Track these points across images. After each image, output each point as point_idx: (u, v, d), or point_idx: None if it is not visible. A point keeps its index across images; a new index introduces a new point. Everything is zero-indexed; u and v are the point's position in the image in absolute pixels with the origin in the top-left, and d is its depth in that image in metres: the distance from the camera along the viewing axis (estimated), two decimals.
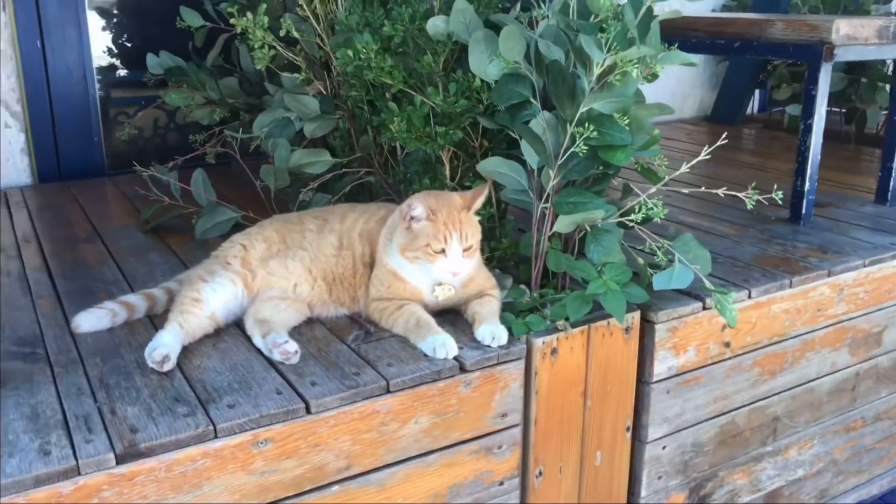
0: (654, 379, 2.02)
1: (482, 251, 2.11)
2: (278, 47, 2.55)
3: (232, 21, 2.58)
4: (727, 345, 2.14)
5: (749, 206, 1.90)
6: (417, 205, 1.76)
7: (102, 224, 2.72)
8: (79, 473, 1.33)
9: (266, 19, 2.53)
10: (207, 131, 3.06)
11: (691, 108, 4.99)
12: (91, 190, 3.20)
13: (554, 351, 1.84)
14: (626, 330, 1.95)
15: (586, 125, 1.77)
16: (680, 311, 2.01)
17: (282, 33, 2.52)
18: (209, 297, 1.79)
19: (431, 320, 1.79)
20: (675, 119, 4.84)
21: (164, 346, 1.64)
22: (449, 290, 1.83)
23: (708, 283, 1.91)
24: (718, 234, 2.61)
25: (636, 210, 1.87)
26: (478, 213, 2.13)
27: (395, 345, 1.78)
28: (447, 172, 2.17)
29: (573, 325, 1.86)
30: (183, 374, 1.63)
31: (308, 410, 1.54)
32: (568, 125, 1.81)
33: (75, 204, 2.96)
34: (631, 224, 1.92)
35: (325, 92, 2.67)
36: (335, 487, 1.61)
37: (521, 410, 1.83)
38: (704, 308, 2.04)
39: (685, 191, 2.10)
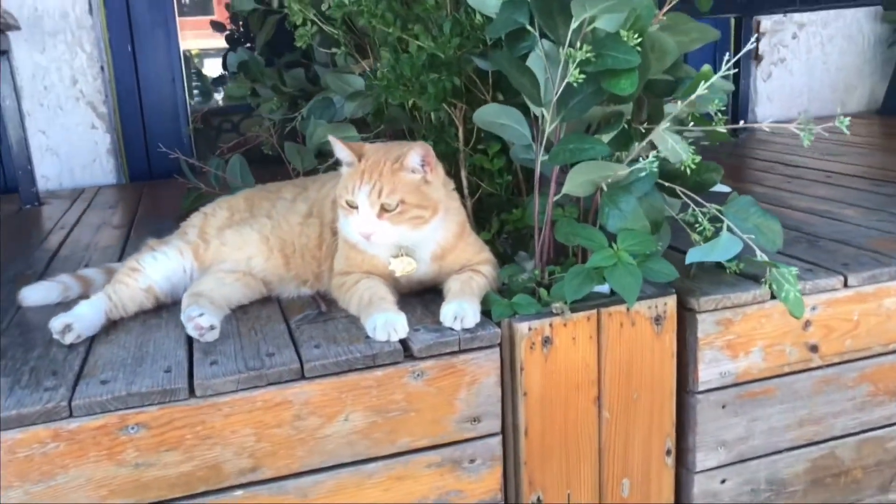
0: (702, 388, 1.54)
1: (489, 227, 1.74)
2: (318, 21, 2.34)
3: None
4: (814, 348, 1.59)
5: None
6: (342, 147, 1.44)
7: (148, 214, 2.63)
8: None
9: None
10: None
11: (859, 101, 4.24)
12: (167, 188, 3.16)
13: (547, 341, 1.43)
14: (656, 320, 1.49)
15: (582, 47, 1.37)
16: (735, 299, 1.51)
17: (324, 7, 2.31)
18: (148, 267, 1.57)
19: (388, 297, 1.45)
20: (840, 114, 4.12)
21: (70, 315, 1.43)
22: (409, 264, 1.48)
23: (760, 254, 1.41)
24: (834, 218, 2.04)
25: (652, 160, 1.42)
26: (497, 180, 1.78)
27: (342, 325, 1.45)
28: (460, 135, 1.83)
29: (575, 310, 1.44)
30: (88, 348, 1.40)
31: (192, 392, 1.25)
32: (561, 50, 1.41)
33: (135, 200, 2.91)
34: (664, 182, 1.48)
35: (371, 69, 2.43)
36: (238, 492, 1.30)
37: (501, 415, 1.43)
38: (774, 297, 1.53)
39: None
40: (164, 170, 3.44)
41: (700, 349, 1.51)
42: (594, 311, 1.45)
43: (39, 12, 3.09)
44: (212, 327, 1.39)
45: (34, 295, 1.66)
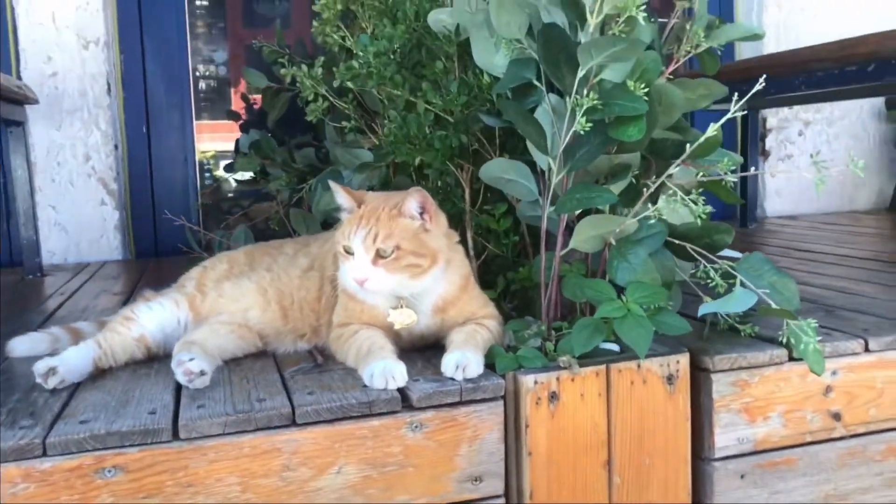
0: (718, 454, 1.44)
1: (495, 287, 1.70)
2: (329, 97, 2.38)
3: (282, 72, 2.47)
4: (836, 416, 1.51)
5: None
6: (343, 192, 1.42)
7: (150, 284, 2.58)
8: None
9: (321, 71, 2.38)
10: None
11: (867, 199, 4.24)
12: (172, 263, 3.14)
13: (554, 396, 1.35)
14: (669, 379, 1.42)
15: (588, 95, 1.36)
16: (751, 358, 1.44)
17: (336, 84, 2.35)
18: (142, 317, 1.52)
19: (387, 346, 1.39)
20: (848, 211, 4.14)
21: (56, 359, 1.37)
22: (408, 316, 1.42)
23: (774, 306, 1.35)
24: (852, 293, 1.98)
25: (661, 209, 1.39)
26: (503, 241, 1.74)
27: (338, 376, 1.38)
28: (467, 196, 1.81)
29: (583, 365, 1.37)
30: (71, 393, 1.34)
31: (176, 434, 1.17)
32: (567, 99, 1.41)
33: (138, 272, 2.88)
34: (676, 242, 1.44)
35: (379, 144, 2.46)
36: None
37: (504, 475, 1.34)
38: (792, 358, 1.46)
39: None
40: (171, 247, 3.43)
41: (716, 412, 1.43)
42: (603, 367, 1.38)
43: (59, 91, 3.16)
44: (202, 373, 1.33)
45: (22, 346, 1.60)
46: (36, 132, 3.14)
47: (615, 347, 1.47)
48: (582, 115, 1.36)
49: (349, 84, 2.25)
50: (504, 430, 1.33)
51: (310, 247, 1.68)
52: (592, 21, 1.35)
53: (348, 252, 1.39)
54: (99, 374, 1.44)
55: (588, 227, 1.48)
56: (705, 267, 1.48)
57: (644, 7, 1.33)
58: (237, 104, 4.01)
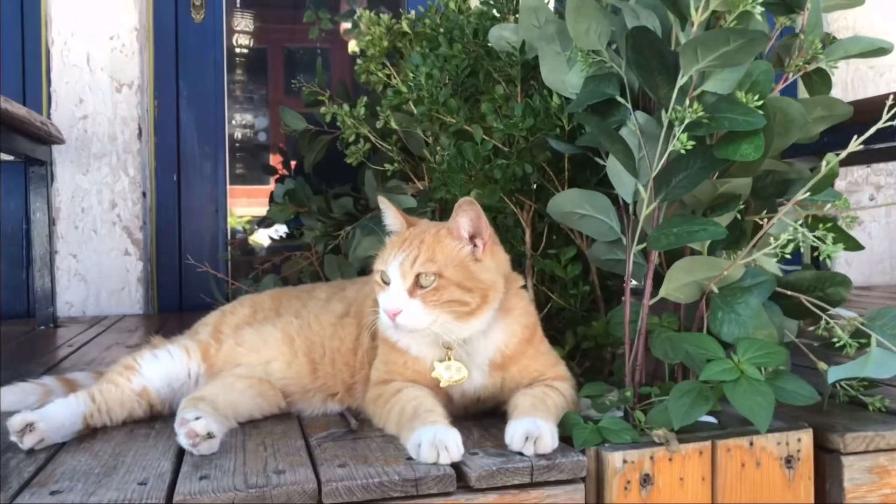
0: None
1: (563, 344, 1.43)
2: (371, 137, 2.18)
3: (322, 110, 2.29)
4: None
5: None
6: (394, 211, 1.19)
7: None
8: None
9: (364, 111, 2.19)
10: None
11: None
12: (197, 318, 2.92)
13: (647, 480, 1.07)
14: (787, 461, 1.13)
15: (692, 104, 1.13)
16: (891, 439, 1.15)
17: (379, 125, 2.16)
18: (146, 367, 1.28)
19: (437, 409, 1.12)
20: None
21: (36, 413, 1.13)
22: (457, 371, 1.17)
23: None
24: None
25: (788, 243, 1.13)
26: (570, 291, 1.49)
27: (377, 445, 1.12)
28: (528, 239, 1.56)
29: (682, 441, 1.10)
30: (51, 456, 1.09)
31: None
32: (662, 114, 1.17)
33: (158, 326, 2.66)
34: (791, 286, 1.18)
35: (423, 190, 2.24)
36: None
37: None
38: None
39: None
40: (197, 302, 3.21)
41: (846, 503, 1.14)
42: (707, 444, 1.10)
43: (89, 134, 3.02)
44: (209, 435, 1.07)
45: (9, 397, 1.36)
46: (62, 176, 2.99)
47: (712, 420, 1.20)
48: (682, 131, 1.12)
49: (393, 125, 2.06)
50: None
51: (346, 291, 1.44)
52: (697, 18, 1.12)
53: (385, 281, 1.15)
54: (89, 434, 1.19)
55: (682, 272, 1.22)
56: (827, 324, 1.21)
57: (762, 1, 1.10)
58: (275, 161, 3.85)
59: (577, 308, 1.50)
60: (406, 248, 1.14)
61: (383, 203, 1.23)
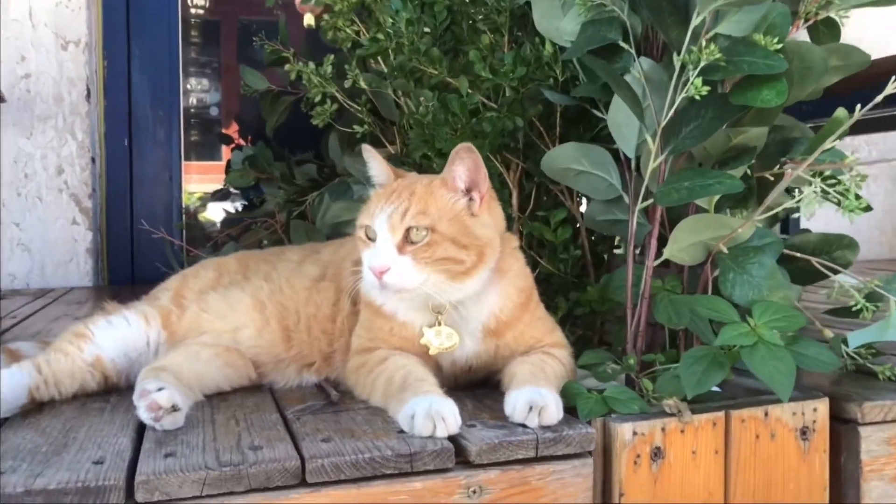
0: None
1: (555, 310, 1.34)
2: (339, 97, 2.05)
3: (287, 67, 2.15)
4: None
5: None
6: (378, 160, 1.08)
7: None
8: None
9: (330, 69, 2.05)
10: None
11: None
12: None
13: (657, 453, 0.99)
14: (802, 433, 1.05)
15: (709, 45, 1.03)
16: None
17: (347, 84, 2.02)
18: (99, 335, 1.15)
19: (428, 378, 1.02)
20: (888, 258, 3.83)
21: None
22: (448, 337, 1.06)
23: None
24: None
25: (806, 200, 1.05)
26: (561, 255, 1.39)
27: (363, 418, 1.01)
28: (514, 201, 1.46)
29: (694, 410, 1.01)
30: None
31: (130, 495, 0.80)
32: (675, 57, 1.07)
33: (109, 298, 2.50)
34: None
35: (395, 154, 2.12)
36: None
37: None
38: None
39: None
40: (151, 274, 3.04)
41: (864, 479, 1.07)
42: (721, 415, 1.02)
43: (32, 94, 2.82)
44: (174, 408, 0.95)
45: None
46: (3, 140, 2.79)
47: (716, 388, 1.12)
48: (697, 76, 1.03)
49: (363, 84, 1.93)
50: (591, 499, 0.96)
51: (320, 253, 1.33)
52: None
53: (370, 237, 1.04)
54: (35, 409, 1.06)
55: (688, 231, 1.13)
56: (841, 287, 1.14)
57: None
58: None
59: (567, 273, 1.40)
60: (395, 200, 1.03)
61: (368, 151, 1.11)
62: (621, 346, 1.18)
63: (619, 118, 1.18)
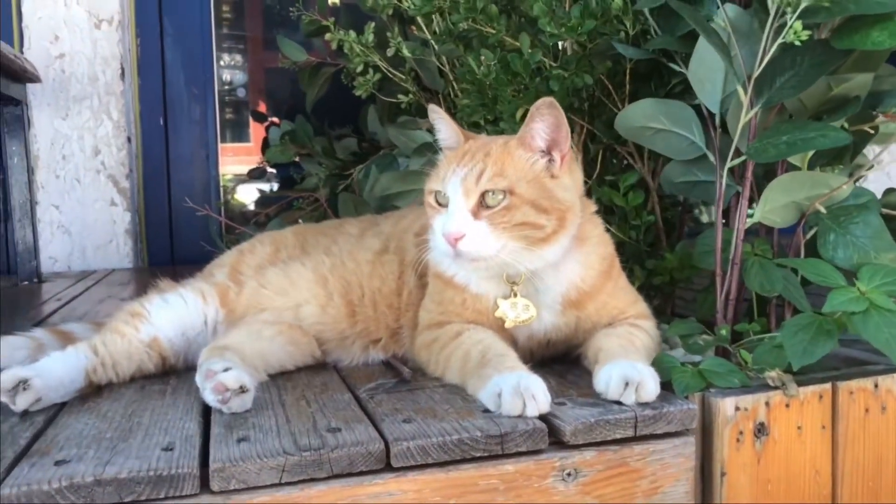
0: None
1: (631, 278, 1.26)
2: (382, 66, 1.97)
3: (328, 36, 2.07)
4: None
5: None
6: (448, 122, 1.01)
7: None
8: None
9: (372, 37, 1.98)
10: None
11: None
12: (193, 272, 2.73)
13: (761, 429, 0.91)
14: None
15: None
16: None
17: (389, 53, 1.95)
18: (155, 314, 1.09)
19: (510, 353, 0.95)
20: None
21: (31, 368, 0.94)
22: (524, 309, 0.99)
23: None
24: None
25: None
26: (633, 222, 1.31)
27: (440, 396, 0.95)
28: (580, 163, 1.38)
29: (798, 382, 0.94)
30: (50, 418, 0.91)
31: (205, 484, 0.74)
32: (770, 1, 0.98)
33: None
34: None
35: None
36: None
37: None
38: None
39: None
40: (190, 255, 3.01)
41: None
42: (827, 386, 0.94)
43: (67, 75, 2.77)
44: (242, 389, 0.89)
45: None
46: (39, 121, 2.75)
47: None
48: (796, 19, 0.93)
49: (406, 52, 1.86)
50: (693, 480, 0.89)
51: (380, 225, 1.26)
52: None
53: (440, 203, 0.97)
54: (93, 392, 1.01)
55: (780, 191, 1.05)
56: None
57: None
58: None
59: (640, 241, 1.32)
60: (468, 163, 0.96)
61: (435, 112, 1.04)
62: (710, 317, 1.10)
63: (701, 71, 1.10)
